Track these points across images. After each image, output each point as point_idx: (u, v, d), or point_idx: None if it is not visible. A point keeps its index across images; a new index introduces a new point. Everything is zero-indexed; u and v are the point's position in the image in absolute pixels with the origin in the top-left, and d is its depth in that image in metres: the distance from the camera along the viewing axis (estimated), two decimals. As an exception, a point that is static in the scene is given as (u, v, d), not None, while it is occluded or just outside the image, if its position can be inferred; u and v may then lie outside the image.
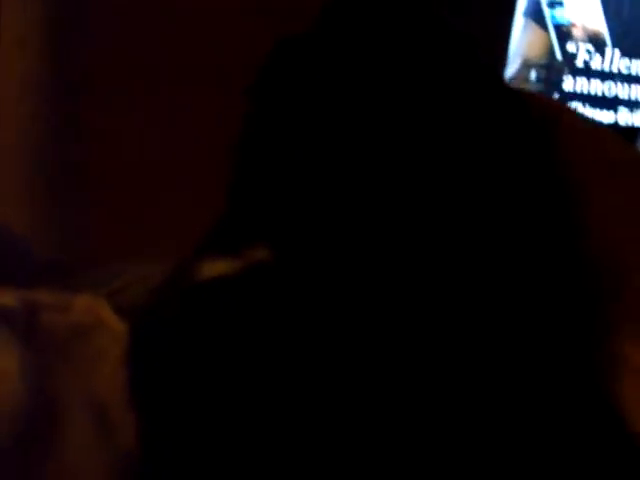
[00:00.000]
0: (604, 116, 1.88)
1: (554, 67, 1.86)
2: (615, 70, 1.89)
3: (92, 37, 1.30)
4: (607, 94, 1.90)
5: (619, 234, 0.49)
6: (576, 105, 1.85)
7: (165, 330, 0.53)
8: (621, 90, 1.91)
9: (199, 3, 1.40)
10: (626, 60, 1.90)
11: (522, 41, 1.79)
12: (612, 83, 1.90)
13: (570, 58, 1.88)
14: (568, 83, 1.88)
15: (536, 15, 1.83)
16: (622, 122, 1.91)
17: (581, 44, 1.88)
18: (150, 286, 0.81)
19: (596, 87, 1.88)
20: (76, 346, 0.75)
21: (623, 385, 0.47)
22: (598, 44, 1.87)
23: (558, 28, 1.86)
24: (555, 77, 1.87)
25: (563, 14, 1.86)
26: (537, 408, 0.48)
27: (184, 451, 0.53)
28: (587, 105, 1.89)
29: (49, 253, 0.94)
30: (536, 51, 1.83)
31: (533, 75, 1.84)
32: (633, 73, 1.91)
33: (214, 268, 0.51)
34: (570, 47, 1.87)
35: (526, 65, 1.82)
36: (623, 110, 1.90)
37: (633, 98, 1.91)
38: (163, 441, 0.55)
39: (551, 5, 1.85)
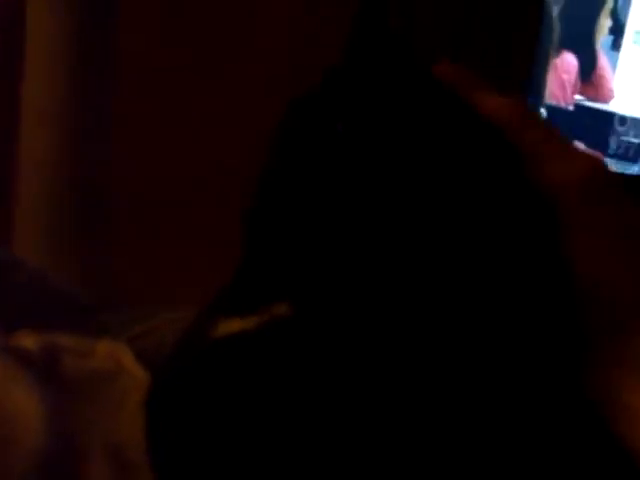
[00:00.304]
0: None
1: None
2: None
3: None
4: None
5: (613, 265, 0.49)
6: None
7: (182, 385, 0.53)
8: None
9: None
10: None
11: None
12: None
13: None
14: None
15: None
16: None
17: None
18: (173, 332, 0.81)
19: None
20: (96, 391, 0.75)
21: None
22: None
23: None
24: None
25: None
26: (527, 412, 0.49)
27: None
28: None
29: (72, 293, 0.95)
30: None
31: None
32: None
33: (232, 325, 0.51)
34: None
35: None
36: None
37: None
38: None
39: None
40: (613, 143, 1.90)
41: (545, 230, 0.49)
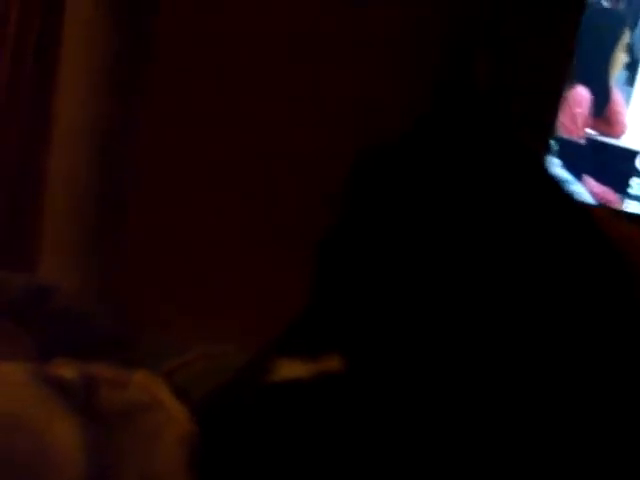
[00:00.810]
0: None
1: None
2: None
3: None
4: None
5: None
6: None
7: (239, 428, 0.55)
8: None
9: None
10: None
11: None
12: None
13: None
14: None
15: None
16: None
17: None
18: (208, 367, 0.83)
19: None
20: (132, 422, 0.77)
21: None
22: None
23: None
24: None
25: None
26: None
27: None
28: None
29: (110, 324, 0.97)
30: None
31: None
32: None
33: (290, 369, 0.53)
34: None
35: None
36: None
37: None
38: None
39: None
40: (634, 183, 1.83)
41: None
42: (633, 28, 1.94)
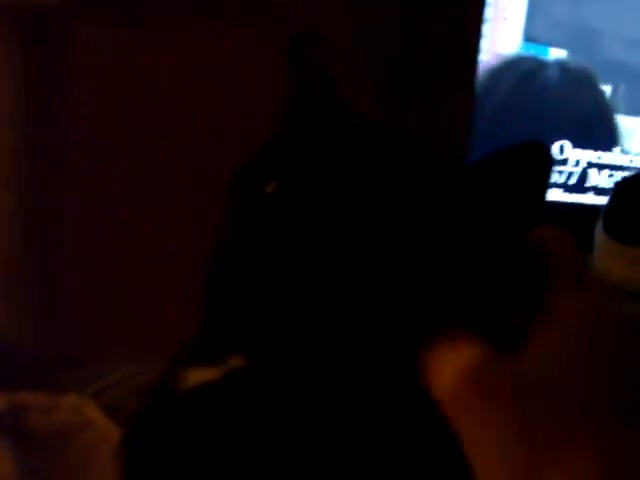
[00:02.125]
0: None
1: None
2: None
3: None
4: None
5: None
6: None
7: (156, 438, 0.56)
8: None
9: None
10: None
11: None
12: None
13: None
14: None
15: None
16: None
17: None
18: (136, 384, 0.83)
19: None
20: (64, 445, 0.77)
21: None
22: None
23: None
24: None
25: None
26: None
27: None
28: None
29: (33, 353, 0.96)
30: None
31: None
32: None
33: (198, 375, 0.54)
34: None
35: None
36: None
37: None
38: None
39: None
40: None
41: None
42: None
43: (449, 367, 0.50)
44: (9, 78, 1.26)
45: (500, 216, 0.55)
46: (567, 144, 1.71)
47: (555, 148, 1.69)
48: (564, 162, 1.76)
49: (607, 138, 1.77)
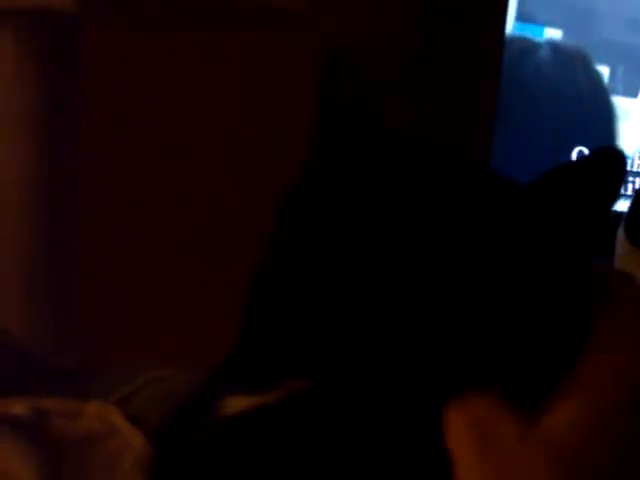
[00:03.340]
0: None
1: None
2: None
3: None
4: None
5: None
6: None
7: (200, 466, 0.54)
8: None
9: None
10: None
11: None
12: None
13: None
14: None
15: None
16: None
17: None
18: (160, 391, 0.82)
19: None
20: (88, 453, 0.76)
21: None
22: None
23: None
24: None
25: None
26: None
27: None
28: None
29: (57, 359, 0.96)
30: None
31: None
32: None
33: (241, 402, 0.53)
34: None
35: None
36: None
37: None
38: None
39: None
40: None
41: None
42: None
43: (461, 422, 0.49)
44: (22, 79, 1.26)
45: (567, 241, 0.53)
46: (585, 150, 1.70)
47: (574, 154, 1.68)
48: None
49: (601, 119, 1.76)
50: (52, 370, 0.90)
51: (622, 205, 1.64)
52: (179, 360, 0.80)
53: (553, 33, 1.78)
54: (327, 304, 0.50)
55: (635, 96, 1.80)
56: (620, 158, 0.52)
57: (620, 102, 1.79)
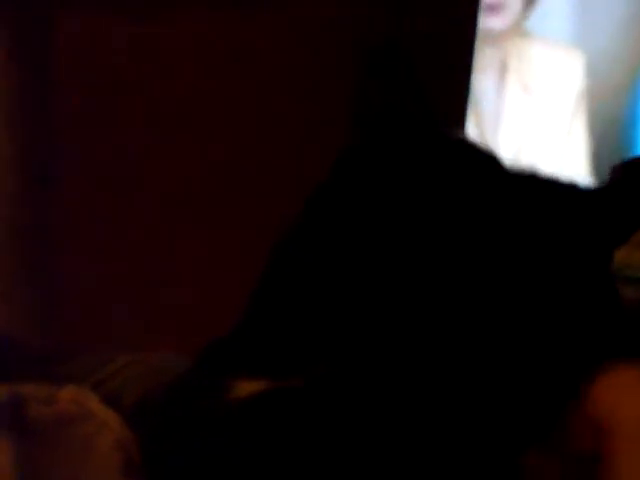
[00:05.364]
0: None
1: None
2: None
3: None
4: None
5: None
6: None
7: (217, 445, 0.53)
8: None
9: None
10: None
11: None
12: None
13: None
14: None
15: None
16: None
17: None
18: (137, 372, 0.83)
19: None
20: (64, 436, 0.76)
21: None
22: None
23: None
24: None
25: None
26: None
27: None
28: None
29: (32, 344, 0.96)
30: None
31: None
32: None
33: (250, 386, 0.52)
34: None
35: None
36: None
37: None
38: None
39: None
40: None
41: None
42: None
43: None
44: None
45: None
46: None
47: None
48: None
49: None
50: (30, 355, 0.90)
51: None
52: (149, 342, 0.81)
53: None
54: (345, 293, 0.50)
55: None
56: None
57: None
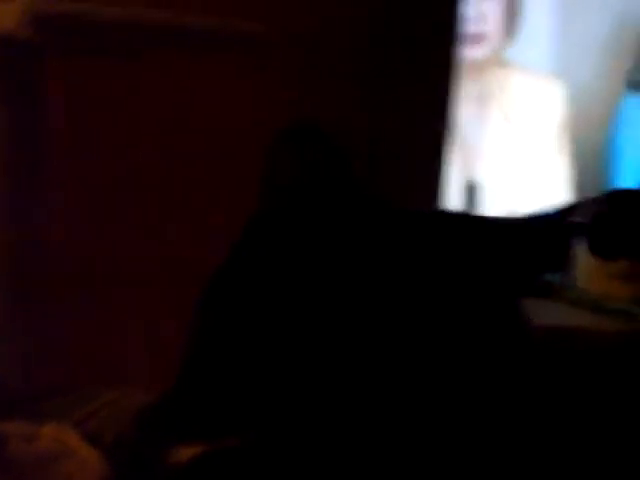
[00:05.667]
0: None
1: None
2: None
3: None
4: None
5: None
6: None
7: None
8: None
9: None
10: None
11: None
12: None
13: None
14: None
15: None
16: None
17: None
18: (115, 411, 0.84)
19: None
20: (45, 474, 0.77)
21: None
22: None
23: None
24: None
25: None
26: None
27: None
28: None
29: (15, 383, 0.96)
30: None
31: None
32: None
33: (189, 451, 0.53)
34: None
35: None
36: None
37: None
38: None
39: None
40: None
41: None
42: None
43: None
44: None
45: None
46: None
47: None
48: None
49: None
50: (11, 394, 0.90)
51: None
52: (131, 380, 0.81)
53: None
54: (269, 356, 0.51)
55: None
56: None
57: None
